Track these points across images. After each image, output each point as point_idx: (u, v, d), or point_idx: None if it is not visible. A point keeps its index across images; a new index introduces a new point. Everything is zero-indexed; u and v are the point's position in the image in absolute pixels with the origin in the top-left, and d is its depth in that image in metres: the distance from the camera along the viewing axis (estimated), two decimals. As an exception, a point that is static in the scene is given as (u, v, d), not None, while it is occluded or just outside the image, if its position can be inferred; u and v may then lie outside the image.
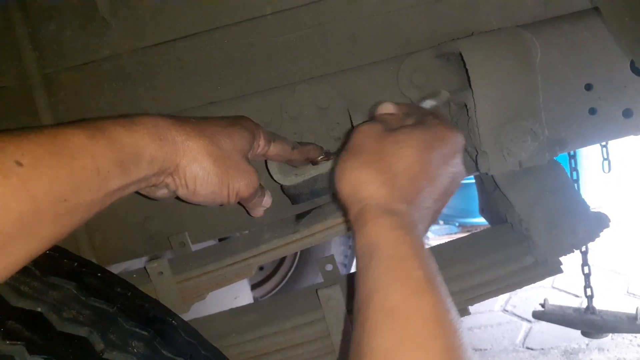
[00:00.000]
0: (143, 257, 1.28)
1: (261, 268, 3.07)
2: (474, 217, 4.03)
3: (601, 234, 0.93)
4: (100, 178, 0.55)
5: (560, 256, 0.95)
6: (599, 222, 0.92)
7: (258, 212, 0.84)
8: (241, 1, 1.07)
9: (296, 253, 3.04)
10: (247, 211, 0.85)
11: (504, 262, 0.98)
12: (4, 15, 1.10)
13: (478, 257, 1.00)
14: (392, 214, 0.59)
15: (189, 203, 0.74)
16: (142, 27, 1.10)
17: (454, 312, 0.53)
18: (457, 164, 0.70)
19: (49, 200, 0.49)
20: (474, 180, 1.78)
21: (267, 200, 0.83)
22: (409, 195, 0.62)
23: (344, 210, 0.66)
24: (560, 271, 0.97)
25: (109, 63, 1.12)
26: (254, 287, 2.77)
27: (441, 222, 4.62)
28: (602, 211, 0.94)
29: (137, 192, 0.71)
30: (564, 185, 0.94)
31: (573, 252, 0.91)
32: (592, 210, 0.94)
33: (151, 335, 0.74)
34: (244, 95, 1.13)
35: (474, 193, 1.72)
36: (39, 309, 0.67)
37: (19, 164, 0.47)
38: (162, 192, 0.72)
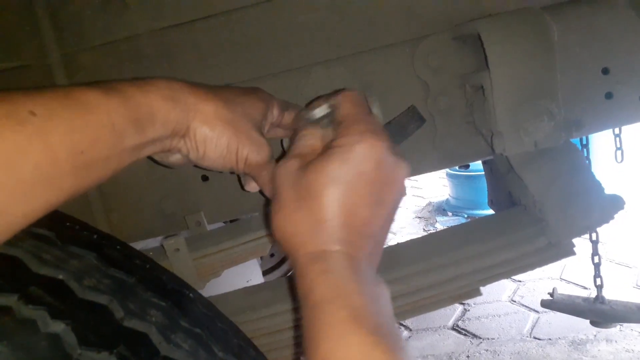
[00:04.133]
0: (159, 237, 1.30)
1: (272, 255, 3.08)
2: (483, 208, 4.02)
3: (615, 215, 0.93)
4: (115, 134, 0.55)
5: (574, 237, 0.95)
6: (614, 203, 0.93)
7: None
8: None
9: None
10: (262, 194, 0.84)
11: (517, 244, 0.98)
12: None
13: (491, 238, 1.00)
14: (320, 260, 0.58)
15: (202, 168, 0.74)
16: (160, 9, 1.11)
17: (389, 339, 0.52)
18: (392, 190, 0.63)
19: (66, 151, 0.50)
20: (483, 172, 1.78)
21: None
22: (341, 235, 0.59)
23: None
24: (573, 253, 0.98)
25: (128, 44, 1.13)
26: (264, 273, 2.79)
27: (450, 214, 4.62)
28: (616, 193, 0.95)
29: (153, 160, 0.72)
30: (579, 167, 0.94)
31: (587, 232, 0.91)
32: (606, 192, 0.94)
33: (169, 305, 0.76)
34: (260, 76, 1.14)
35: (483, 185, 1.73)
36: (60, 277, 0.69)
37: (33, 113, 0.47)
38: (175, 158, 0.71)
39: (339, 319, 0.52)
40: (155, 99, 0.61)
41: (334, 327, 0.52)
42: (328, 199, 0.59)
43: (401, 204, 0.66)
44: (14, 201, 0.47)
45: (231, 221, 1.49)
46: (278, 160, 0.70)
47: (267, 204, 0.68)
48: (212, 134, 0.67)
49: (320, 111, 0.68)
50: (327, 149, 0.62)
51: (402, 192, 0.65)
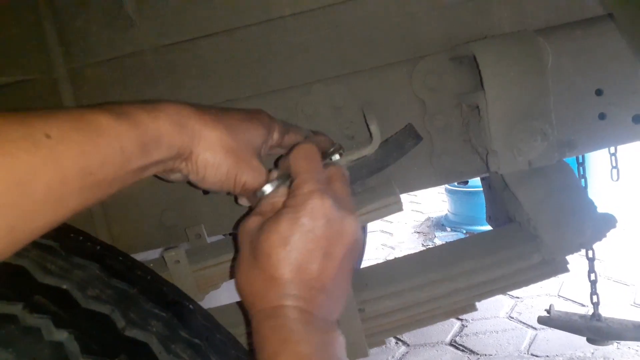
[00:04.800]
0: (159, 249, 1.31)
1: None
2: (481, 224, 4.04)
3: (607, 233, 0.95)
4: (123, 157, 0.58)
5: (568, 254, 0.97)
6: (606, 222, 0.95)
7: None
8: (261, 2, 1.11)
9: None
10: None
11: (512, 260, 1.00)
12: (33, 10, 1.14)
13: (486, 254, 1.02)
14: (273, 316, 0.63)
15: (198, 188, 0.76)
16: (165, 26, 1.13)
17: None
18: (339, 226, 0.66)
19: (76, 173, 0.52)
20: (481, 188, 1.80)
21: None
22: (293, 291, 0.64)
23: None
24: (567, 270, 1.00)
25: (133, 59, 1.16)
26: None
27: (448, 229, 4.63)
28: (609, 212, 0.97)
29: (154, 175, 0.74)
30: (572, 186, 0.96)
31: (580, 250, 0.93)
32: (599, 211, 0.96)
33: (169, 316, 0.78)
34: (262, 93, 1.16)
35: (482, 201, 1.75)
36: (64, 286, 0.71)
37: (48, 136, 0.50)
38: (175, 176, 0.74)
39: None
40: (164, 125, 0.63)
41: None
42: (277, 257, 0.64)
43: (357, 255, 0.70)
44: (24, 219, 0.48)
45: (230, 234, 1.51)
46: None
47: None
48: (213, 161, 0.69)
49: (267, 188, 0.73)
50: (280, 208, 0.67)
51: (352, 244, 0.68)
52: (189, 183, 0.76)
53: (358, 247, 0.70)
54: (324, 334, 0.63)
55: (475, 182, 3.85)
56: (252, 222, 0.69)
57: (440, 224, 4.85)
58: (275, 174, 0.75)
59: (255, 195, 0.74)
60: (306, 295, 0.64)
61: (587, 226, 0.94)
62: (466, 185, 4.27)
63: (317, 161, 0.73)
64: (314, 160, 0.72)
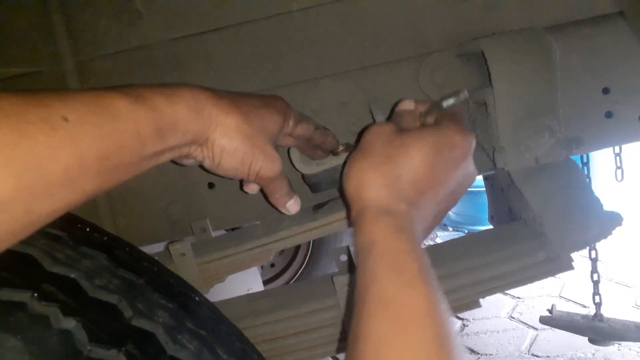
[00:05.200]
0: (163, 242, 1.32)
1: (272, 265, 3.10)
2: (483, 224, 4.04)
3: (613, 231, 0.95)
4: (139, 142, 0.58)
5: (573, 252, 0.97)
6: (612, 220, 0.95)
7: (282, 209, 0.85)
8: None
9: (307, 251, 3.08)
10: (267, 200, 0.86)
11: (516, 257, 1.00)
12: (41, 3, 1.14)
13: (491, 251, 1.02)
14: (391, 214, 0.63)
15: (212, 174, 0.76)
16: (173, 19, 1.14)
17: (444, 304, 0.56)
18: (465, 167, 0.72)
19: (93, 156, 0.52)
20: (484, 188, 1.80)
21: (292, 205, 0.84)
22: (410, 197, 0.65)
23: (347, 207, 0.69)
24: (572, 268, 0.99)
25: (140, 53, 1.16)
26: (265, 283, 2.80)
27: (450, 228, 4.63)
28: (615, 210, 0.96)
29: None
30: (579, 183, 0.96)
31: (585, 247, 0.93)
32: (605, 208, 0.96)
33: (176, 307, 0.78)
34: (268, 88, 1.16)
35: (484, 200, 1.75)
36: (72, 275, 0.71)
37: (65, 119, 0.50)
38: (189, 161, 0.74)
39: (410, 270, 0.57)
40: (181, 110, 0.63)
41: (403, 275, 0.56)
42: (415, 161, 0.66)
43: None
44: (41, 202, 0.49)
45: (233, 229, 1.51)
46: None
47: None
48: (229, 147, 0.69)
49: (450, 101, 0.79)
50: (431, 123, 0.74)
51: (467, 185, 0.75)
52: (202, 167, 0.76)
53: (462, 195, 0.77)
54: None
55: (478, 181, 3.84)
56: (389, 127, 0.72)
57: (442, 224, 4.85)
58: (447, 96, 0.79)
59: (440, 102, 0.79)
60: (421, 206, 0.67)
61: (593, 223, 0.94)
62: (469, 185, 4.27)
63: (467, 121, 0.83)
64: (466, 119, 0.80)
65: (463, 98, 0.79)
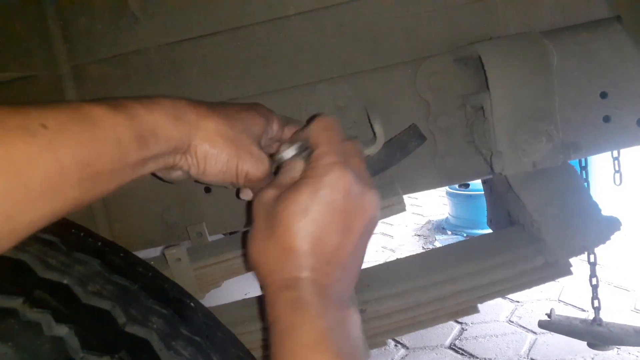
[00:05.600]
0: (160, 247, 1.31)
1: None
2: (482, 228, 4.03)
3: (612, 236, 0.94)
4: (120, 148, 0.57)
5: (571, 257, 0.97)
6: (611, 225, 0.94)
7: None
8: (266, 1, 1.11)
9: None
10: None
11: (515, 262, 1.00)
12: (38, 8, 1.14)
13: (489, 256, 1.02)
14: (290, 288, 0.61)
15: (202, 183, 0.76)
16: (169, 24, 1.13)
17: None
18: (358, 203, 0.65)
19: (74, 163, 0.51)
20: (482, 192, 1.80)
21: None
22: (310, 263, 0.62)
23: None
24: (570, 273, 0.99)
25: (136, 57, 1.16)
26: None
27: (449, 232, 4.63)
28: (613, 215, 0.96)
29: (156, 177, 0.73)
30: (577, 188, 0.96)
31: (584, 253, 0.92)
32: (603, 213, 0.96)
33: (170, 313, 0.77)
34: (265, 92, 1.16)
35: (483, 204, 1.74)
36: (65, 281, 0.70)
37: (44, 126, 0.49)
38: (176, 174, 0.73)
39: (305, 344, 0.55)
40: (160, 117, 0.62)
41: (300, 351, 0.55)
42: (296, 227, 0.62)
43: (373, 232, 0.69)
44: (22, 208, 0.48)
45: (230, 233, 1.51)
46: (275, 172, 0.72)
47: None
48: (212, 151, 0.68)
49: (289, 152, 0.71)
50: (299, 179, 0.65)
51: (370, 220, 0.67)
52: (196, 182, 0.75)
53: (375, 223, 0.69)
54: (339, 311, 0.61)
55: (476, 185, 3.84)
56: (269, 193, 0.67)
57: (441, 227, 4.84)
58: (287, 146, 0.72)
59: (273, 161, 0.72)
60: (323, 268, 0.62)
61: (591, 228, 0.94)
62: (467, 189, 4.26)
63: (338, 134, 0.70)
64: (335, 132, 0.70)
65: (296, 151, 0.71)
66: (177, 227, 1.22)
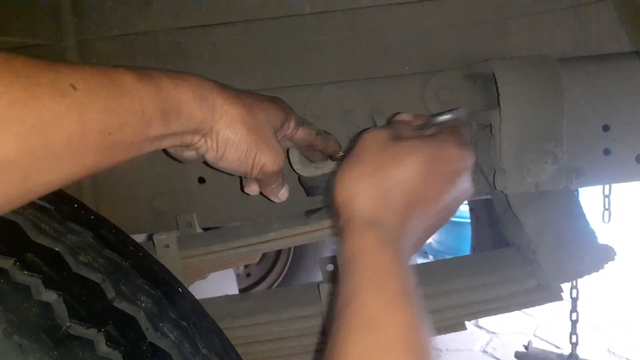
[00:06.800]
0: (145, 234, 1.28)
1: (248, 274, 3.05)
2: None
3: (605, 265, 0.95)
4: (143, 121, 0.56)
5: (564, 282, 0.97)
6: (605, 253, 0.94)
7: (274, 197, 0.84)
8: None
9: (286, 263, 3.04)
10: (263, 194, 0.85)
11: (506, 282, 0.99)
12: None
13: (481, 274, 1.01)
14: (378, 226, 0.60)
15: (213, 168, 0.74)
16: (182, 8, 1.12)
17: (426, 326, 0.54)
18: (461, 183, 0.69)
19: (96, 129, 0.50)
20: (468, 220, 1.80)
21: (283, 193, 0.83)
22: (400, 210, 0.63)
23: (335, 214, 0.66)
24: (560, 298, 0.99)
25: (145, 38, 1.14)
26: (239, 292, 2.75)
27: (431, 256, 4.64)
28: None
29: (166, 153, 0.72)
30: (576, 213, 0.96)
31: (577, 279, 0.92)
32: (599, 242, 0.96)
33: (159, 295, 0.75)
34: (271, 88, 1.15)
35: (467, 233, 1.75)
36: (57, 249, 0.68)
37: (74, 87, 0.48)
38: (190, 154, 0.72)
39: (392, 289, 0.54)
40: (186, 94, 0.62)
41: (385, 293, 0.54)
42: (408, 171, 0.63)
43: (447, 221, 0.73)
44: (40, 169, 0.47)
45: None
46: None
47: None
48: (234, 138, 0.68)
49: (445, 115, 0.77)
50: (429, 135, 0.70)
51: (461, 200, 0.71)
52: (205, 163, 0.74)
53: (454, 213, 0.73)
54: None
55: (462, 213, 3.86)
56: (385, 134, 0.68)
57: (423, 251, 4.85)
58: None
59: (437, 117, 0.77)
60: (411, 220, 0.64)
61: (586, 255, 0.94)
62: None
63: (467, 134, 0.76)
64: (467, 132, 0.76)
65: (460, 115, 0.78)
66: (165, 216, 1.19)
